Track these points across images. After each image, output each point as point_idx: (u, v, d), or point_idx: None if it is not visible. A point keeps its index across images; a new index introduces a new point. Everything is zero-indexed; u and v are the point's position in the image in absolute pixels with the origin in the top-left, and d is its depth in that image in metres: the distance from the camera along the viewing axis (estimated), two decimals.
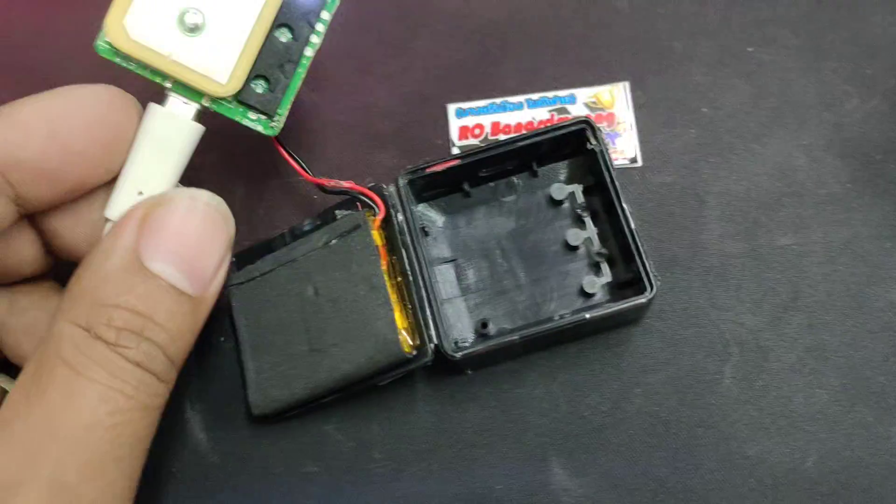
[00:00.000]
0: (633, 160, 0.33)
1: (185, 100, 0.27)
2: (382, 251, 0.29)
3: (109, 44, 0.26)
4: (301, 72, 0.28)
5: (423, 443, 0.30)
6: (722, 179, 0.33)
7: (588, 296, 0.31)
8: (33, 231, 0.28)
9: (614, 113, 0.34)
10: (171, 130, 0.26)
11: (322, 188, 0.31)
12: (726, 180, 0.33)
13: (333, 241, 0.30)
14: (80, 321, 0.23)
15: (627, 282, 0.30)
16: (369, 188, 0.30)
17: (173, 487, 0.30)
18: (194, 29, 0.26)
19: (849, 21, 0.35)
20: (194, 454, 0.31)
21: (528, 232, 0.32)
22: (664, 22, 0.35)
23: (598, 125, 0.30)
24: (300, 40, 0.27)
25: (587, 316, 0.28)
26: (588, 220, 0.31)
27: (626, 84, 0.34)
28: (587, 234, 0.31)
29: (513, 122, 0.34)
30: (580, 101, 0.34)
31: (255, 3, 0.26)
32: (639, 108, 0.34)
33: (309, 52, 0.27)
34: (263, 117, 0.28)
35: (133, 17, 0.25)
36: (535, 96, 0.34)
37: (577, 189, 0.32)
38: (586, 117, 0.30)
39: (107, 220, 0.26)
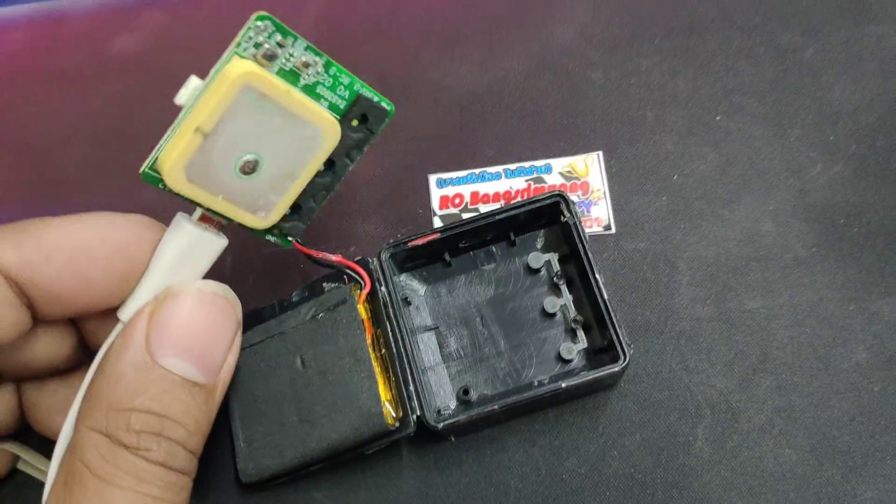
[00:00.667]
0: (608, 227, 0.35)
1: (216, 218, 0.27)
2: (367, 324, 0.30)
3: (158, 174, 0.26)
4: (330, 196, 0.29)
5: None
6: (692, 245, 0.34)
7: (566, 362, 0.32)
8: (70, 329, 0.29)
9: (589, 182, 0.35)
10: (197, 243, 0.27)
11: (312, 259, 0.32)
12: (696, 246, 0.34)
13: (321, 315, 0.31)
14: (100, 427, 0.24)
15: (603, 348, 0.31)
16: (356, 262, 0.31)
17: None
18: (249, 173, 0.26)
19: (812, 89, 0.37)
20: None
21: (507, 299, 0.33)
22: (636, 92, 0.37)
23: (572, 197, 0.32)
24: (338, 173, 0.28)
25: (563, 385, 0.29)
26: (564, 288, 0.33)
27: (600, 153, 0.36)
28: (563, 302, 0.33)
29: (491, 192, 0.35)
30: (556, 171, 0.36)
31: (311, 150, 0.26)
32: (612, 176, 0.36)
33: (339, 182, 0.29)
34: (286, 236, 0.29)
35: (194, 163, 0.25)
36: (512, 166, 0.36)
37: (553, 257, 0.33)
38: (560, 190, 0.32)
39: (119, 321, 0.27)
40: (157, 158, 0.25)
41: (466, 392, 0.31)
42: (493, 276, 0.33)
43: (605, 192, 0.35)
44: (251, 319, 0.33)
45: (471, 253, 0.34)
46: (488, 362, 0.32)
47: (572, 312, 0.32)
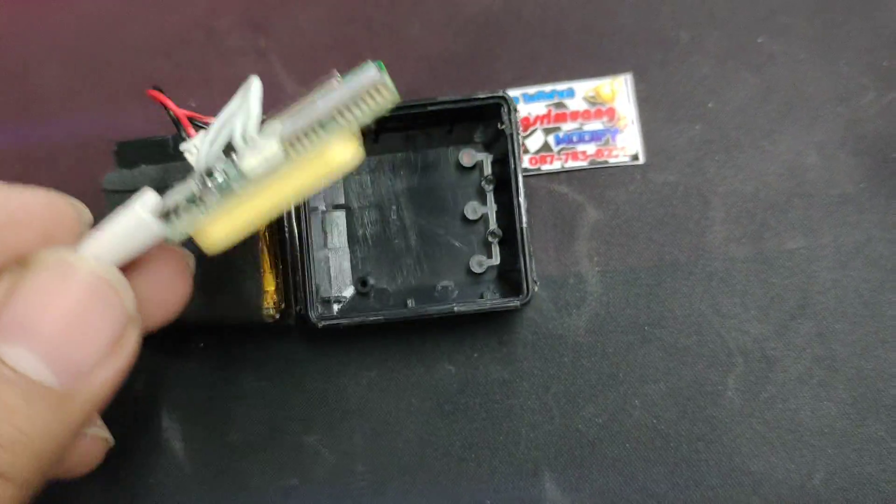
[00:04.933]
0: (635, 157, 0.32)
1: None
2: None
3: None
4: None
5: (408, 456, 0.29)
6: (728, 179, 0.31)
7: (475, 275, 0.30)
8: None
9: (615, 108, 0.32)
10: (136, 222, 0.20)
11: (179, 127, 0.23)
12: (733, 180, 0.31)
13: None
14: None
15: (512, 271, 0.29)
16: None
17: (149, 499, 0.29)
18: None
19: (866, 9, 0.33)
20: (171, 465, 0.29)
21: (430, 193, 0.31)
22: (669, 10, 0.33)
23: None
24: None
25: (455, 309, 0.27)
26: (491, 196, 0.31)
27: (629, 77, 0.32)
28: (486, 210, 0.30)
29: None
30: (579, 95, 0.32)
31: None
32: (641, 102, 0.32)
33: None
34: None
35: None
36: (531, 90, 0.33)
37: (487, 159, 0.31)
38: (503, 93, 0.29)
39: None
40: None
41: (364, 283, 0.30)
42: (420, 163, 0.31)
43: (633, 120, 0.32)
44: (146, 152, 0.28)
45: (404, 133, 0.31)
46: (396, 256, 0.30)
47: (492, 225, 0.30)
